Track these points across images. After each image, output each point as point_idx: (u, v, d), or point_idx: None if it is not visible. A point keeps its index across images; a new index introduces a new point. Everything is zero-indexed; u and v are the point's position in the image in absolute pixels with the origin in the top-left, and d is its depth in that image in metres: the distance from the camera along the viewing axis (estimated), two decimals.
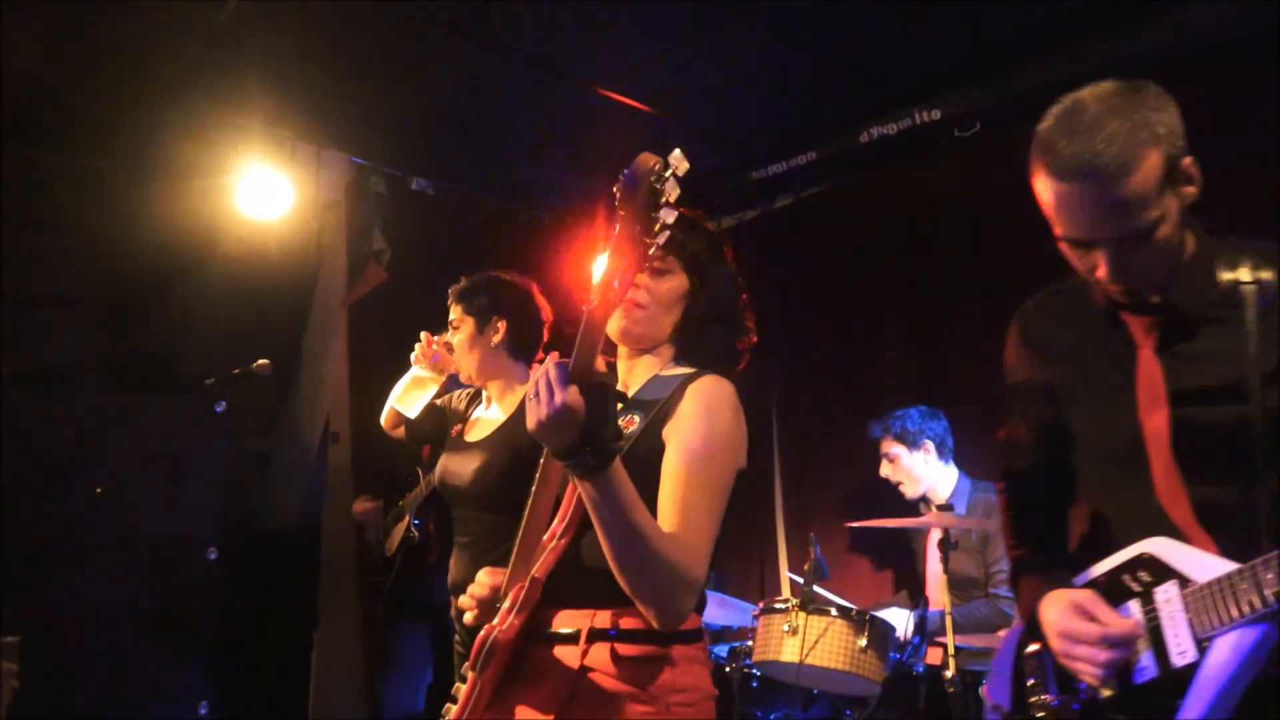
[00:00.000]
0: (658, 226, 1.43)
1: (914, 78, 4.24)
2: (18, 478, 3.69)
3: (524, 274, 3.24)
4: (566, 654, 1.70)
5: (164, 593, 3.99)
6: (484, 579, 1.82)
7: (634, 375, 1.89)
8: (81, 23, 3.76)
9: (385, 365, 3.62)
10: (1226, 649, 1.45)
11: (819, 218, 5.03)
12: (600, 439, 1.48)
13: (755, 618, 3.44)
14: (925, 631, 3.52)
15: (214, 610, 4.01)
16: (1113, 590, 1.61)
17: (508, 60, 4.16)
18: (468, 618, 1.83)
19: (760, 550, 4.96)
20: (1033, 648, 1.76)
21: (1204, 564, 1.51)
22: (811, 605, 3.27)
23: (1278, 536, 1.44)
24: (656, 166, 1.42)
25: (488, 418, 3.08)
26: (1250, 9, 3.40)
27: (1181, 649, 1.50)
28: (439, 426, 3.28)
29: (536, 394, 1.48)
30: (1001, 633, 2.97)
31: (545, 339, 3.18)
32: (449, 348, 3.19)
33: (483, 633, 1.70)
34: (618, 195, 1.45)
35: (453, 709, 1.77)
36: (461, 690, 1.75)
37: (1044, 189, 1.57)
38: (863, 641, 3.20)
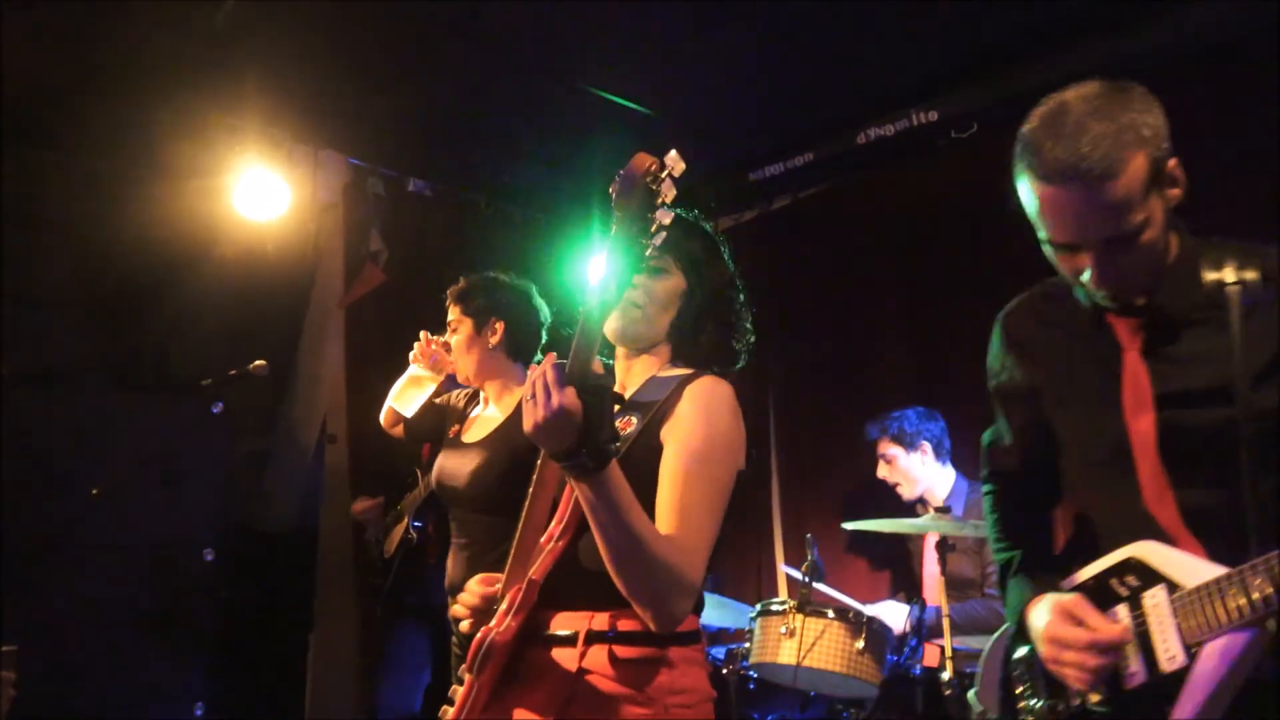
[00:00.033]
0: (654, 227, 1.43)
1: (911, 79, 4.24)
2: (13, 478, 3.68)
3: (522, 275, 3.24)
4: (564, 656, 1.70)
5: (160, 593, 3.98)
6: (475, 587, 1.82)
7: (631, 376, 1.89)
8: (78, 23, 3.75)
9: (383, 366, 3.62)
10: (1216, 654, 1.44)
11: (817, 219, 5.03)
12: (597, 441, 1.48)
13: (752, 620, 3.43)
14: (922, 632, 3.52)
15: (210, 611, 4.00)
16: (1100, 594, 1.61)
17: (505, 61, 4.16)
18: (463, 625, 1.83)
19: (757, 551, 4.95)
20: (1021, 651, 1.75)
21: (1192, 568, 1.50)
22: (809, 607, 3.27)
23: (1266, 539, 1.43)
24: (652, 167, 1.42)
25: (485, 419, 3.07)
26: (1250, 9, 3.39)
27: (1170, 654, 1.49)
28: (438, 425, 3.28)
29: (533, 395, 1.47)
30: None
31: (543, 340, 3.18)
32: (447, 348, 3.19)
33: (480, 634, 1.70)
34: (614, 196, 1.45)
35: (450, 711, 1.77)
36: (458, 692, 1.75)
37: (1029, 192, 1.56)
38: (860, 644, 3.20)
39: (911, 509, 4.00)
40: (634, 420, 1.76)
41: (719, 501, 1.70)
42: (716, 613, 3.94)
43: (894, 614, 3.62)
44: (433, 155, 5.04)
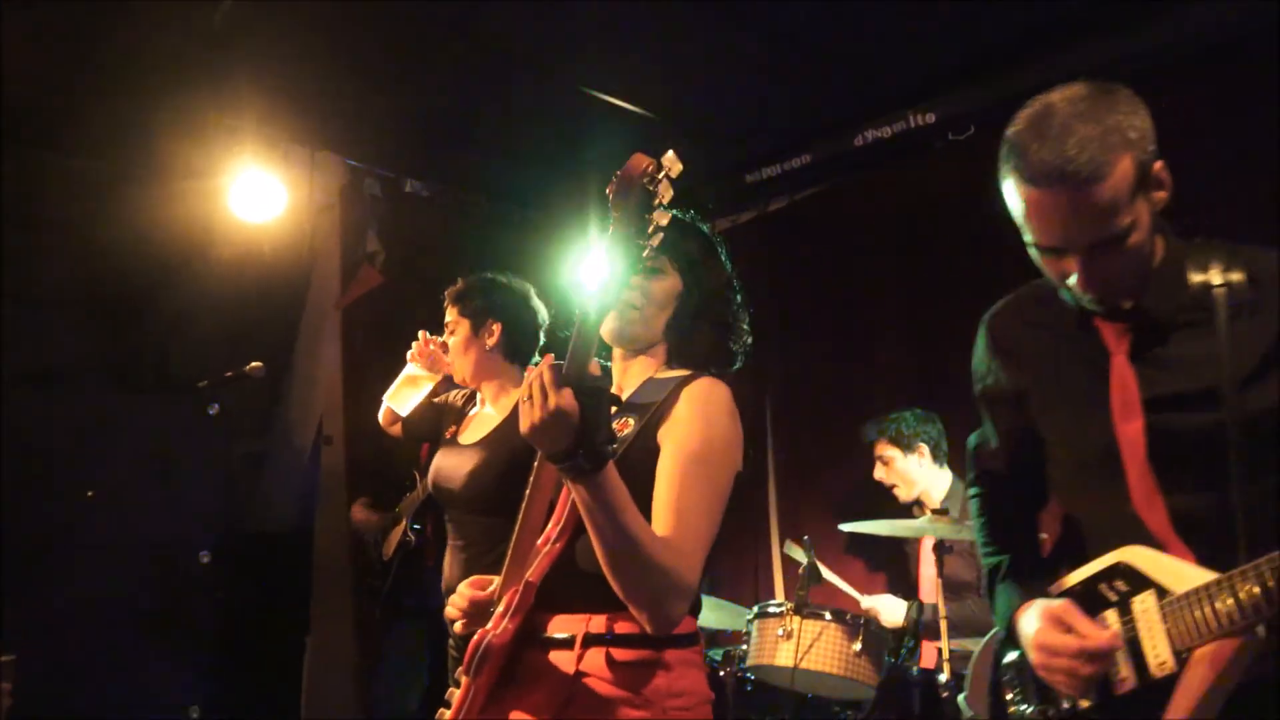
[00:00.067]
0: (651, 228, 1.42)
1: (908, 81, 4.25)
2: (9, 478, 3.68)
3: (520, 276, 3.23)
4: (561, 659, 1.69)
5: (156, 595, 3.98)
6: (465, 590, 1.82)
7: (629, 378, 1.88)
8: (75, 23, 3.74)
9: (379, 368, 3.61)
10: (1206, 660, 1.43)
11: (814, 220, 5.03)
12: (594, 442, 1.47)
13: (750, 622, 3.43)
14: (919, 634, 3.52)
15: (207, 613, 3.99)
16: (1089, 599, 1.60)
17: (502, 62, 4.15)
18: (456, 627, 1.82)
19: (754, 553, 4.95)
20: (1011, 656, 1.75)
21: (1182, 573, 1.49)
22: (806, 609, 3.26)
23: (1255, 544, 1.42)
24: (649, 168, 1.41)
25: (482, 420, 3.07)
26: (1250, 9, 3.39)
27: (1161, 660, 1.48)
28: (436, 424, 3.27)
29: (530, 397, 1.47)
30: None
31: (541, 342, 3.17)
32: (445, 348, 3.19)
33: (476, 637, 1.69)
34: (611, 197, 1.44)
35: (446, 713, 1.76)
36: (455, 695, 1.75)
37: (1014, 195, 1.54)
38: (857, 646, 3.20)
39: (908, 511, 4.01)
40: (631, 422, 1.75)
41: (716, 503, 1.69)
42: (714, 614, 3.94)
43: (892, 608, 3.62)
44: (430, 156, 5.03)
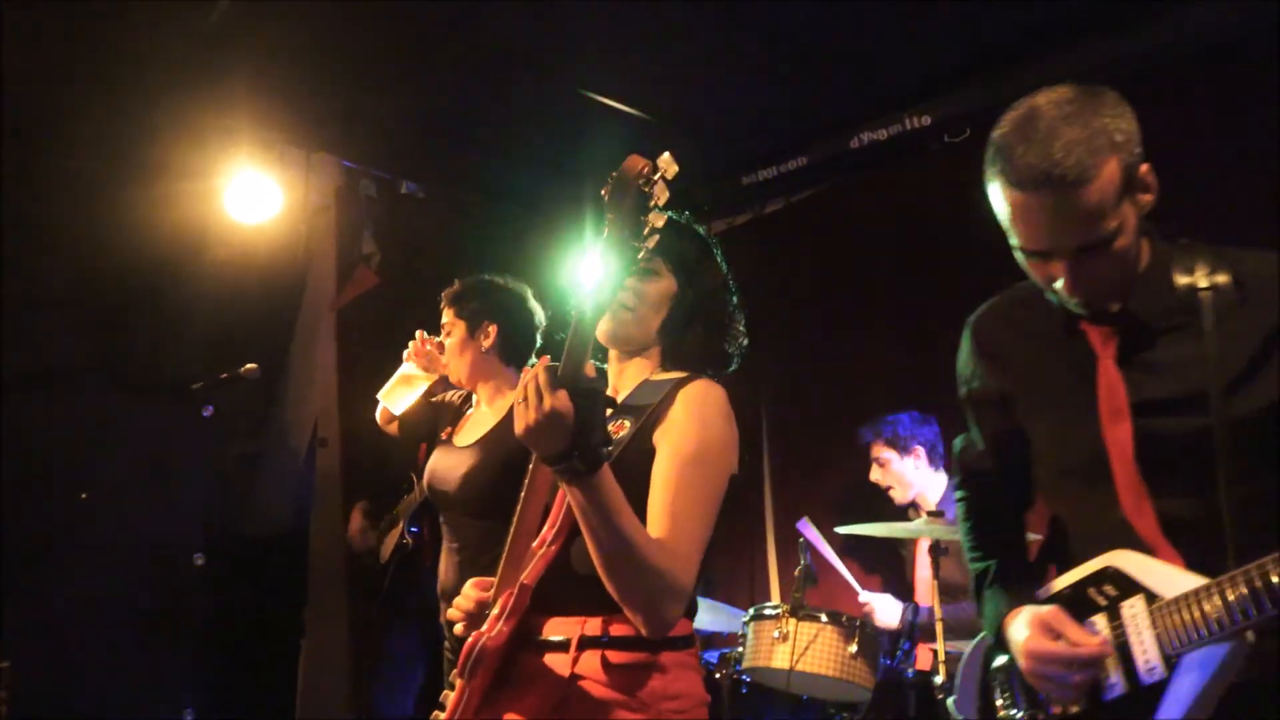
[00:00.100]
0: (646, 229, 1.42)
1: (904, 83, 4.25)
2: (3, 480, 3.67)
3: (517, 278, 3.23)
4: (557, 661, 1.69)
5: (150, 597, 3.97)
6: (470, 592, 1.81)
7: (624, 380, 1.88)
8: (70, 24, 3.74)
9: (375, 370, 3.60)
10: (1195, 666, 1.43)
11: (810, 222, 5.03)
12: (589, 444, 1.47)
13: (745, 624, 3.43)
14: (914, 636, 3.52)
15: (201, 616, 3.98)
16: (1077, 603, 1.59)
17: (499, 64, 4.15)
18: (457, 629, 1.81)
19: (750, 555, 4.95)
20: (1000, 660, 1.74)
21: (1171, 578, 1.49)
22: (802, 611, 3.26)
23: (1244, 548, 1.42)
24: (645, 170, 1.41)
25: (478, 421, 3.06)
26: (1250, 9, 3.39)
27: (1150, 666, 1.48)
28: (433, 424, 3.27)
29: (525, 399, 1.47)
30: None
31: (538, 343, 3.17)
32: (442, 348, 3.18)
33: (470, 639, 1.69)
34: (606, 198, 1.44)
35: (441, 716, 1.76)
36: (450, 697, 1.74)
37: (1000, 198, 1.53)
38: (853, 648, 3.19)
39: (904, 513, 4.00)
40: (627, 424, 1.75)
41: (711, 506, 1.69)
42: (709, 616, 3.93)
43: (889, 609, 3.62)
44: (426, 157, 5.02)
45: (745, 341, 1.94)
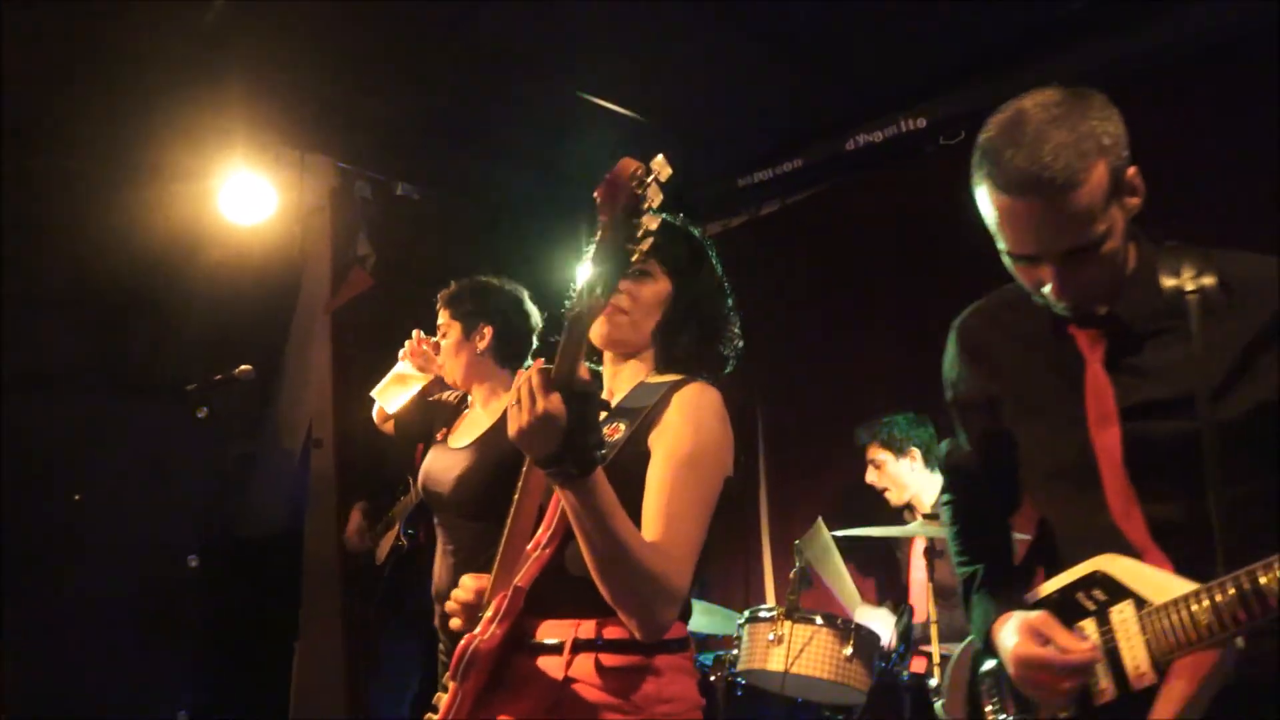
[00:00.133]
0: (640, 232, 1.41)
1: (900, 86, 4.25)
2: (1, 482, 3.66)
3: (511, 279, 3.23)
4: (550, 664, 1.68)
5: (145, 599, 3.96)
6: (468, 583, 1.81)
7: (619, 382, 1.88)
8: (65, 25, 3.73)
9: (370, 371, 3.59)
10: (1186, 671, 1.43)
11: (805, 224, 5.03)
12: (582, 447, 1.46)
13: (740, 626, 3.42)
14: (910, 639, 3.51)
15: (194, 618, 3.97)
16: (1066, 608, 1.59)
17: (495, 65, 4.15)
18: (453, 623, 1.81)
19: (745, 557, 4.94)
20: (988, 665, 1.74)
21: (1160, 583, 1.48)
22: (797, 614, 3.26)
23: (1233, 552, 1.41)
24: (638, 172, 1.40)
25: (472, 423, 3.06)
26: (1250, 9, 3.40)
27: (1140, 671, 1.47)
28: (429, 423, 3.26)
29: (518, 401, 1.46)
30: None
31: (534, 345, 3.16)
32: (438, 348, 3.18)
33: (464, 642, 1.68)
34: (599, 201, 1.43)
35: (434, 718, 1.75)
36: (442, 700, 1.74)
37: (988, 203, 1.52)
38: (848, 650, 3.19)
39: (899, 515, 4.00)
40: (622, 426, 1.75)
41: (705, 508, 1.68)
42: (704, 619, 3.93)
43: (881, 627, 3.62)
44: (421, 159, 5.02)
45: (740, 344, 1.94)
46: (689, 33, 3.91)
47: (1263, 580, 1.34)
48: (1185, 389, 1.50)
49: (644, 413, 1.74)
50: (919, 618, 3.58)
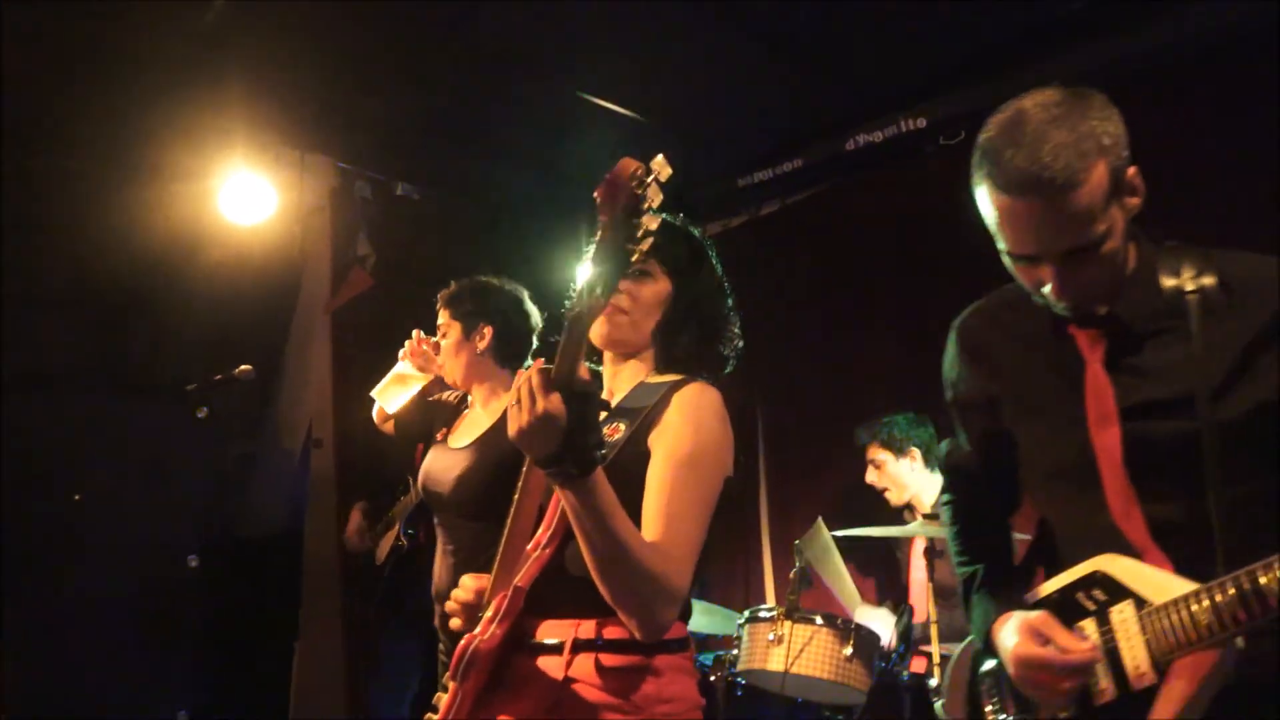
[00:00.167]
0: (640, 232, 1.41)
1: (900, 86, 4.25)
2: (1, 482, 3.66)
3: (512, 279, 3.23)
4: (550, 664, 1.68)
5: (145, 599, 3.96)
6: (468, 583, 1.81)
7: (619, 382, 1.88)
8: (65, 25, 3.72)
9: (370, 371, 3.60)
10: (1186, 671, 1.42)
11: (806, 224, 5.03)
12: (582, 447, 1.46)
13: (740, 626, 3.42)
14: (910, 639, 3.51)
15: (194, 618, 3.97)
16: (1066, 608, 1.59)
17: (495, 65, 4.15)
18: (453, 623, 1.81)
19: (745, 557, 4.94)
20: (988, 665, 1.74)
21: (1160, 583, 1.48)
22: (797, 614, 3.25)
23: (1233, 552, 1.41)
24: (638, 172, 1.40)
25: (472, 423, 3.06)
26: (1250, 9, 3.39)
27: (1140, 671, 1.47)
28: (429, 423, 3.26)
29: (518, 401, 1.46)
30: None
31: (534, 345, 3.16)
32: (438, 348, 3.18)
33: (463, 642, 1.68)
34: (598, 201, 1.43)
35: (434, 719, 1.75)
36: (442, 700, 1.74)
37: (988, 203, 1.52)
38: (848, 650, 3.19)
39: (899, 515, 4.00)
40: (622, 427, 1.75)
41: (705, 509, 1.68)
42: (704, 619, 3.93)
43: (881, 628, 3.62)
44: (421, 159, 5.02)
45: (740, 344, 1.94)
46: (689, 33, 3.91)
47: (1263, 580, 1.34)
48: (1185, 389, 1.50)
49: (644, 413, 1.74)
50: (919, 618, 3.58)
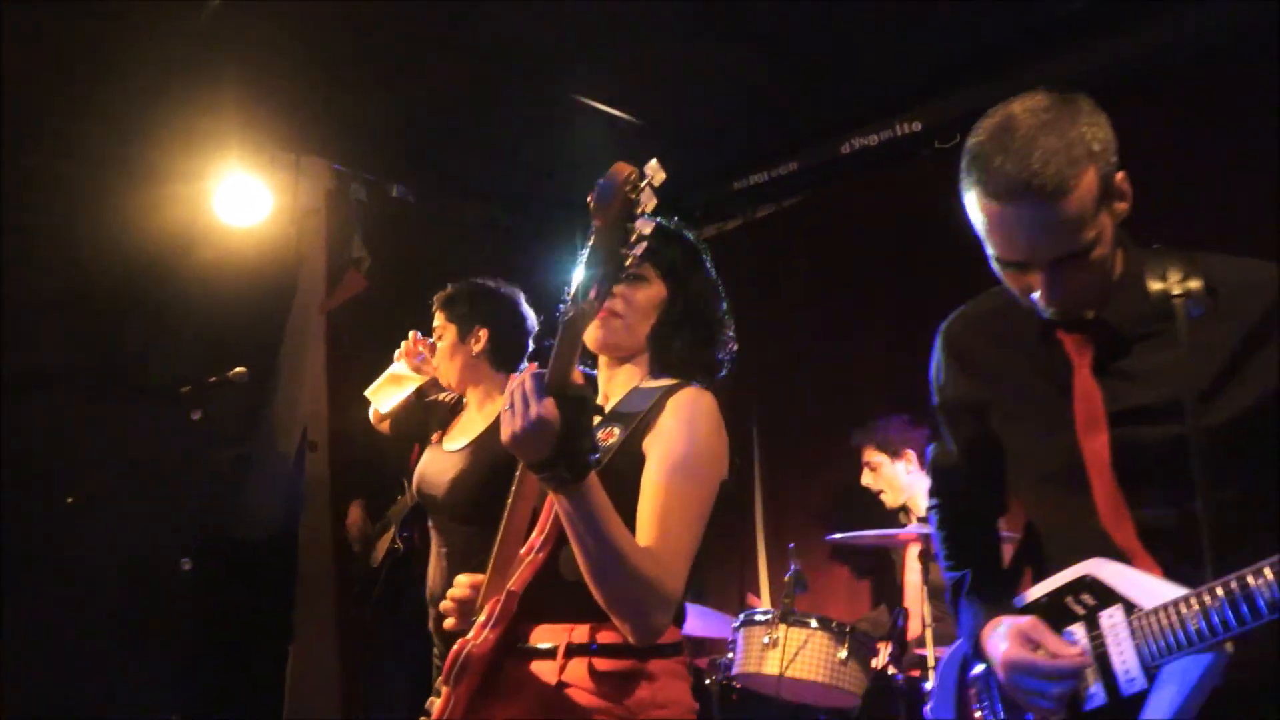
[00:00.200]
0: (634, 236, 1.41)
1: (895, 90, 4.26)
2: None
3: (507, 282, 3.22)
4: (543, 669, 1.68)
5: (139, 601, 3.95)
6: (464, 579, 1.80)
7: (613, 386, 1.87)
8: (60, 27, 3.72)
9: (365, 373, 3.59)
10: (1175, 677, 1.42)
11: (801, 228, 5.03)
12: (575, 452, 1.46)
13: (735, 630, 3.42)
14: (904, 641, 3.51)
15: (188, 621, 3.96)
16: (1055, 612, 1.58)
17: (490, 67, 4.15)
18: (448, 623, 1.80)
19: (740, 561, 4.94)
20: (977, 669, 1.73)
21: (1149, 588, 1.48)
22: (792, 618, 3.26)
23: (1222, 557, 1.41)
24: (632, 176, 1.40)
25: (467, 426, 3.06)
26: (1250, 9, 3.40)
27: (1130, 677, 1.47)
28: (425, 424, 3.25)
29: (511, 405, 1.46)
30: None
31: (529, 349, 3.16)
32: (434, 350, 3.18)
33: (456, 646, 1.68)
34: (592, 205, 1.43)
35: None
36: (435, 704, 1.73)
37: (977, 209, 1.52)
38: (843, 653, 3.19)
39: (894, 517, 4.00)
40: (616, 431, 1.74)
41: (700, 513, 1.68)
42: (699, 623, 3.93)
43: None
44: (416, 161, 5.02)
45: (735, 347, 1.94)
46: (685, 36, 3.91)
47: (1252, 584, 1.34)
48: (1172, 393, 1.50)
49: (639, 417, 1.73)
50: (913, 620, 3.58)
